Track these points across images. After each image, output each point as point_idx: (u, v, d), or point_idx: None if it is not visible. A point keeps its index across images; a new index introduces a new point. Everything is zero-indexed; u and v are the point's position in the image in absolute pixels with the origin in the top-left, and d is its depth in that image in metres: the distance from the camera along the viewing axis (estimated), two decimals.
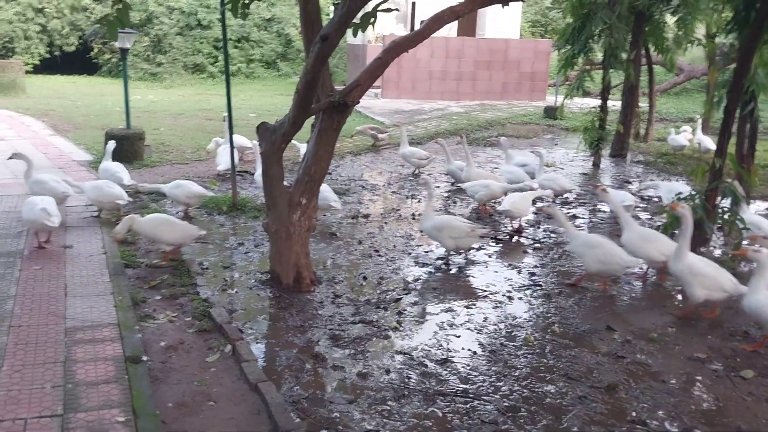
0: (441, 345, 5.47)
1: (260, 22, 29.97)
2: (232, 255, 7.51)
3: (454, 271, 7.30)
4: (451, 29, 25.46)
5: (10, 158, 8.58)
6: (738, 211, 7.41)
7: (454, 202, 10.38)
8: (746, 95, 8.36)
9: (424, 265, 7.46)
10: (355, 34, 6.02)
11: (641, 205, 10.34)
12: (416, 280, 6.97)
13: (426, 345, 5.46)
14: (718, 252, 8.00)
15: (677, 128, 15.31)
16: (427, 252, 7.85)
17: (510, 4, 6.32)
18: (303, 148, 8.24)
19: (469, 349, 5.42)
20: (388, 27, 23.94)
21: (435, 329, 5.78)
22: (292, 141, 6.79)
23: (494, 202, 9.85)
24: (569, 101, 14.37)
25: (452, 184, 11.42)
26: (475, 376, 4.98)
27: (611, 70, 13.31)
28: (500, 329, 5.84)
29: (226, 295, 6.35)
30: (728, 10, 12.03)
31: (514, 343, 5.57)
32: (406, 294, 6.55)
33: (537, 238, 8.56)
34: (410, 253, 7.81)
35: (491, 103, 22.98)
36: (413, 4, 25.24)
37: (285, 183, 6.55)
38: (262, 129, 6.38)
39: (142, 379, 4.56)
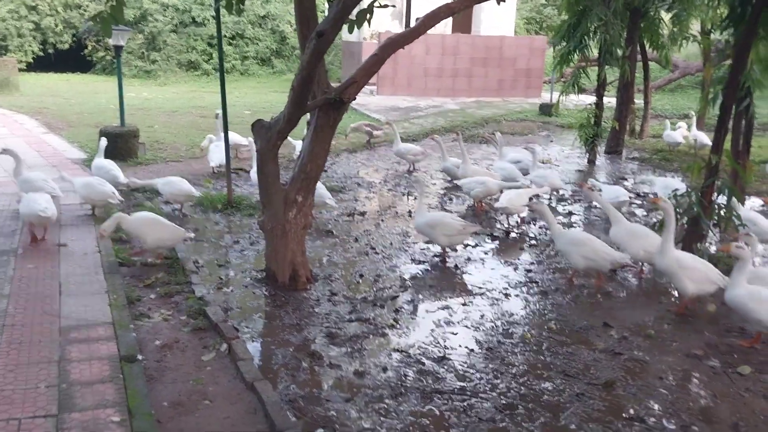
0: (438, 342, 5.45)
1: (255, 19, 29.88)
2: (227, 253, 7.47)
3: (450, 267, 7.27)
4: (446, 26, 25.45)
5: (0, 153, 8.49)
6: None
7: (450, 200, 10.35)
8: (741, 91, 8.35)
9: (420, 262, 7.43)
10: (350, 31, 5.99)
11: (636, 202, 10.35)
12: (413, 277, 6.95)
13: (423, 342, 5.44)
14: (714, 249, 7.99)
15: (673, 124, 15.31)
16: (423, 249, 7.82)
17: (505, 0, 6.30)
18: (298, 145, 8.24)
19: (466, 347, 5.40)
20: (384, 24, 23.90)
21: (432, 327, 5.76)
22: (287, 138, 6.77)
23: (490, 199, 9.84)
24: (564, 98, 14.34)
25: (449, 181, 11.39)
26: (473, 373, 4.97)
27: (606, 67, 13.30)
28: (497, 326, 5.83)
29: (222, 293, 6.31)
30: (723, 6, 12.06)
31: (511, 341, 5.56)
32: (402, 291, 6.53)
33: (533, 235, 8.55)
34: (407, 251, 7.79)
35: (487, 100, 22.98)
36: (408, 0, 25.19)
37: (280, 180, 6.52)
38: (258, 126, 6.34)
39: (137, 379, 4.52)
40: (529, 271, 7.26)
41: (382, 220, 9.04)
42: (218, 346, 5.12)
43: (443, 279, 6.95)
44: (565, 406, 4.55)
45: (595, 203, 9.77)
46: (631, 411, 4.52)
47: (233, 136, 11.06)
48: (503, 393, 4.70)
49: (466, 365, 5.09)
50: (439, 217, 7.52)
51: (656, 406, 4.60)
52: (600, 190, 9.35)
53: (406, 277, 6.95)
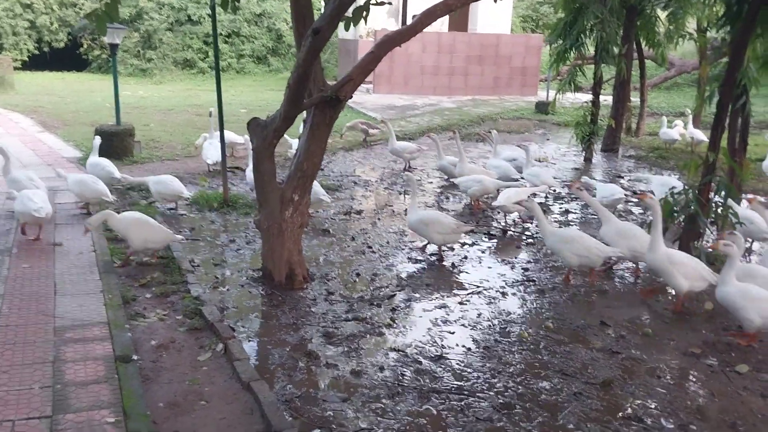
0: (435, 342, 5.43)
1: (251, 17, 29.81)
2: (223, 252, 7.44)
3: (447, 266, 7.25)
4: (442, 24, 25.43)
5: None
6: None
7: (447, 198, 10.33)
8: (738, 89, 8.34)
9: (417, 261, 7.41)
10: (347, 28, 5.96)
11: (633, 200, 10.34)
12: (410, 276, 6.93)
13: (420, 342, 5.42)
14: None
15: (670, 122, 15.31)
16: (420, 248, 7.80)
17: None
18: (295, 143, 8.21)
19: (463, 346, 5.38)
20: (380, 22, 23.86)
21: (429, 326, 5.73)
22: (284, 136, 6.74)
23: (486, 197, 9.82)
24: (561, 96, 14.33)
25: (445, 179, 11.36)
26: (470, 372, 4.95)
27: (603, 65, 13.29)
28: (494, 325, 5.81)
29: (218, 292, 6.28)
30: (719, 4, 12.06)
31: (509, 339, 5.54)
32: (399, 290, 6.50)
33: (531, 233, 8.53)
34: (403, 249, 7.77)
35: (483, 98, 22.96)
36: None
37: (276, 179, 6.48)
38: (253, 124, 6.31)
39: (133, 379, 4.49)
40: (526, 269, 7.25)
41: (379, 219, 9.01)
42: (214, 346, 5.09)
43: (440, 277, 6.92)
44: (562, 405, 4.54)
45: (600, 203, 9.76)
46: (629, 410, 4.51)
47: (229, 135, 11.04)
48: (501, 392, 4.68)
49: (463, 364, 5.07)
50: (433, 215, 7.52)
51: (654, 405, 4.59)
52: (594, 189, 9.39)
53: (403, 275, 6.93)
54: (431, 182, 11.46)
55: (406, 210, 9.39)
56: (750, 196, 6.94)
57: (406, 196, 10.41)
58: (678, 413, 4.50)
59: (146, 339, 5.24)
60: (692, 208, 7.25)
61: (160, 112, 18.13)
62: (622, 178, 12.10)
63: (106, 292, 5.94)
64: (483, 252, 7.79)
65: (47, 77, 26.64)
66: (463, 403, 4.52)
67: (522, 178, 10.21)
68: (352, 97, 6.36)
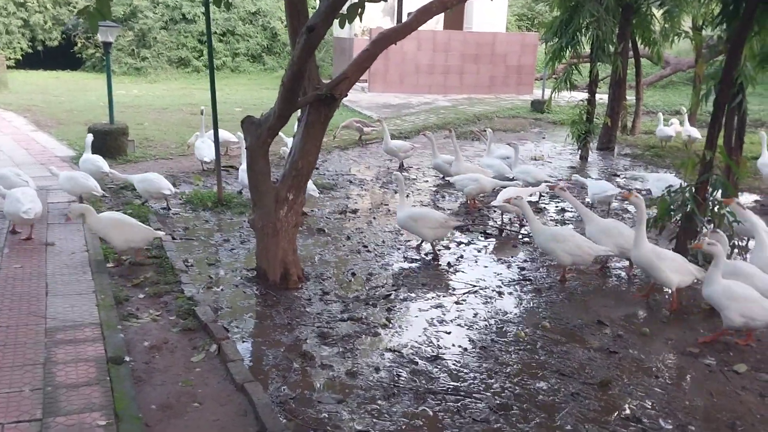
0: (431, 342, 5.38)
1: (245, 15, 29.69)
2: (217, 252, 7.38)
3: (443, 265, 7.20)
4: (438, 22, 25.37)
5: None
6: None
7: (443, 197, 10.28)
8: (734, 87, 8.31)
9: (413, 260, 7.36)
10: (342, 26, 5.91)
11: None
12: (405, 275, 6.88)
13: (416, 342, 5.37)
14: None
15: (666, 120, 15.29)
16: (415, 247, 7.75)
17: None
18: (290, 142, 8.16)
19: (459, 346, 5.33)
20: (375, 20, 23.80)
21: (425, 326, 5.69)
22: (279, 134, 6.68)
23: (482, 196, 9.78)
24: (556, 95, 14.29)
25: (441, 178, 11.31)
26: (466, 373, 4.90)
27: (598, 63, 13.26)
28: (491, 325, 5.76)
29: (212, 292, 6.22)
30: (715, 2, 12.04)
31: (505, 339, 5.49)
32: (395, 290, 6.45)
33: (527, 233, 8.49)
34: (399, 249, 7.72)
35: (479, 96, 22.91)
36: None
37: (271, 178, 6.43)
38: (247, 123, 6.25)
39: (125, 381, 4.43)
40: (522, 268, 7.20)
41: (374, 218, 8.96)
42: (208, 346, 5.03)
43: (436, 277, 6.88)
44: (560, 406, 4.49)
45: (588, 200, 9.73)
46: (627, 411, 4.47)
47: (223, 134, 10.97)
48: (497, 393, 4.64)
49: (459, 365, 5.02)
50: (420, 211, 7.57)
51: (652, 406, 4.55)
52: (584, 186, 9.40)
53: (399, 275, 6.87)
54: (427, 181, 11.41)
55: None
56: (728, 198, 6.94)
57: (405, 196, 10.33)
58: (676, 413, 4.46)
59: (139, 340, 5.17)
60: (689, 206, 7.21)
61: (154, 110, 18.04)
62: (618, 176, 12.06)
63: (98, 293, 5.87)
64: (479, 251, 7.74)
65: (41, 76, 26.48)
66: (459, 404, 4.48)
67: (513, 177, 10.16)
68: (347, 95, 6.30)
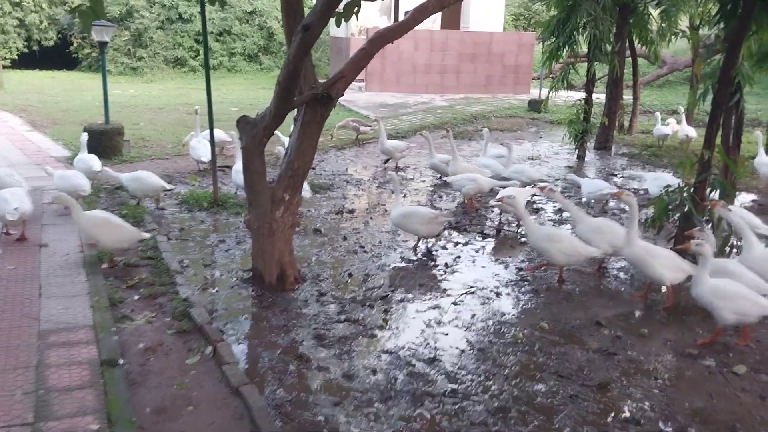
0: (428, 343, 5.33)
1: (242, 15, 29.63)
2: (213, 253, 7.32)
3: (441, 265, 7.15)
4: (434, 22, 25.32)
5: None
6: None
7: (440, 197, 10.24)
8: (732, 87, 8.29)
9: (410, 261, 7.32)
10: (338, 24, 5.86)
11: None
12: (402, 276, 6.83)
13: (413, 343, 5.32)
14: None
15: (663, 119, 15.27)
16: (412, 248, 7.70)
17: None
18: (286, 141, 8.12)
19: (457, 347, 5.29)
20: (372, 20, 23.74)
21: (422, 327, 5.64)
22: (276, 133, 6.63)
23: (480, 197, 9.73)
24: (553, 94, 14.26)
25: (438, 178, 11.26)
26: (464, 375, 4.86)
27: (595, 63, 13.23)
28: (488, 326, 5.72)
29: (207, 294, 6.17)
30: (712, 1, 12.02)
31: (503, 341, 5.45)
32: (392, 291, 6.40)
33: (523, 233, 8.44)
34: (396, 249, 7.67)
35: (476, 96, 22.88)
36: None
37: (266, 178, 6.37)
38: (243, 122, 6.19)
39: (119, 384, 4.38)
40: (520, 269, 7.15)
41: (371, 218, 8.91)
42: (203, 349, 4.98)
43: (433, 277, 6.83)
44: (558, 408, 4.45)
45: (587, 199, 9.70)
46: (626, 413, 4.44)
47: (218, 133, 10.91)
48: (495, 395, 4.59)
49: (457, 367, 4.98)
50: (411, 208, 7.63)
51: (651, 408, 4.51)
52: (578, 186, 9.39)
53: (396, 276, 6.82)
54: (423, 181, 11.36)
55: None
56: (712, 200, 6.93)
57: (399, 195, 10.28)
58: (676, 416, 4.43)
59: (134, 342, 5.12)
60: (687, 206, 7.18)
61: (150, 110, 17.98)
62: (615, 176, 12.03)
63: (92, 294, 5.82)
64: (477, 251, 7.70)
65: (37, 76, 26.38)
66: (457, 406, 4.43)
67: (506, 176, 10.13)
68: (343, 94, 6.25)
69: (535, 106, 19.59)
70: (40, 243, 7.13)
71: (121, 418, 3.99)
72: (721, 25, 7.92)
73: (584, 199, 9.55)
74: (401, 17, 22.54)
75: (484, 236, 8.25)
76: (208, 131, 9.28)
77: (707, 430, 4.30)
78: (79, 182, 8.21)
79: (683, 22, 15.75)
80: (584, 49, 13.70)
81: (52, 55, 28.45)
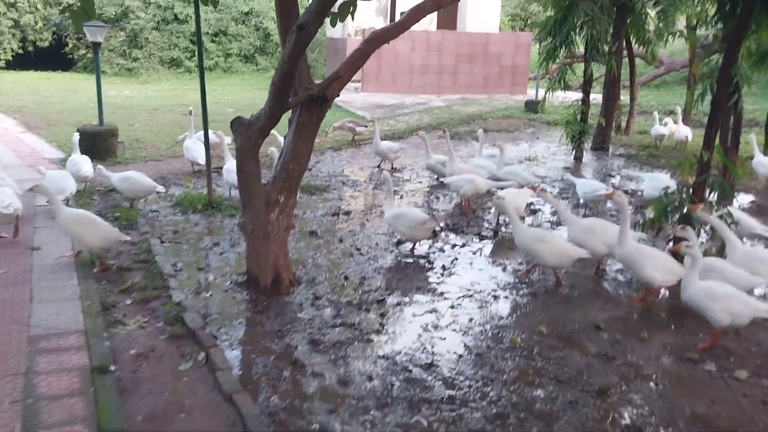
0: (425, 348, 5.25)
1: (238, 15, 29.55)
2: (207, 256, 7.23)
3: (438, 268, 7.07)
4: (431, 22, 25.29)
5: None
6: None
7: (437, 198, 10.16)
8: (730, 87, 8.22)
9: (407, 263, 7.24)
10: (333, 24, 5.78)
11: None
12: (399, 279, 6.74)
13: (410, 348, 5.23)
14: (707, 247, 7.86)
15: (660, 119, 15.21)
16: (409, 250, 7.61)
17: None
18: (282, 141, 8.03)
19: (454, 352, 5.20)
20: (368, 20, 23.68)
21: (419, 331, 5.55)
22: (273, 133, 6.55)
23: (476, 198, 9.66)
24: (550, 95, 14.20)
25: (435, 179, 11.19)
26: (462, 381, 4.77)
27: (593, 63, 13.16)
28: (486, 330, 5.64)
29: (201, 298, 6.07)
30: (710, 1, 11.97)
31: (501, 345, 5.37)
32: (388, 294, 6.32)
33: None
34: (392, 251, 7.59)
35: (472, 96, 22.82)
36: None
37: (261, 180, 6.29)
38: (237, 123, 6.11)
39: (110, 391, 4.29)
40: (517, 271, 7.08)
41: (368, 220, 8.83)
42: (196, 354, 4.90)
43: (430, 280, 6.74)
44: (558, 415, 4.37)
45: (581, 200, 9.63)
46: (627, 419, 4.36)
47: (212, 135, 10.83)
48: (494, 402, 4.51)
49: (454, 372, 4.89)
50: (403, 209, 7.53)
51: (652, 414, 4.43)
52: (573, 185, 9.35)
53: (393, 279, 6.74)
54: (420, 182, 11.28)
55: None
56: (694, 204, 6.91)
57: (395, 196, 10.20)
58: (677, 422, 4.35)
59: (125, 347, 5.03)
60: (686, 208, 7.10)
61: (145, 111, 17.90)
62: (613, 176, 11.97)
63: (84, 299, 5.74)
64: (474, 253, 7.62)
65: (32, 77, 26.29)
66: (454, 413, 4.35)
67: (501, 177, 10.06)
68: (339, 95, 6.17)
69: (532, 106, 19.54)
70: (32, 246, 7.04)
71: (111, 427, 3.90)
72: (720, 25, 7.86)
73: (582, 200, 9.49)
74: (398, 18, 22.47)
75: (482, 238, 8.18)
76: (202, 132, 9.20)
77: None
78: (63, 185, 8.09)
79: (680, 22, 15.71)
80: (581, 49, 13.64)
81: (47, 56, 28.37)
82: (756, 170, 11.00)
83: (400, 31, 6.17)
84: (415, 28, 6.45)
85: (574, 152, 13.61)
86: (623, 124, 16.60)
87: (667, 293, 6.49)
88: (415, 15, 6.01)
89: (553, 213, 9.40)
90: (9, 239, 7.16)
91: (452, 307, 6.08)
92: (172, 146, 12.77)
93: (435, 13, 7.96)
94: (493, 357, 5.16)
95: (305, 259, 7.23)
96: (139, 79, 26.77)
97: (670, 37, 14.79)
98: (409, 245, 7.65)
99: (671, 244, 7.29)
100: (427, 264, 7.21)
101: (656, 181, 9.24)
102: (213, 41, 28.88)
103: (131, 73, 27.62)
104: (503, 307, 6.15)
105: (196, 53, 26.61)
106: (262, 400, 4.41)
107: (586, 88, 13.51)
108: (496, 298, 6.35)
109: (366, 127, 14.53)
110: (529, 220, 8.99)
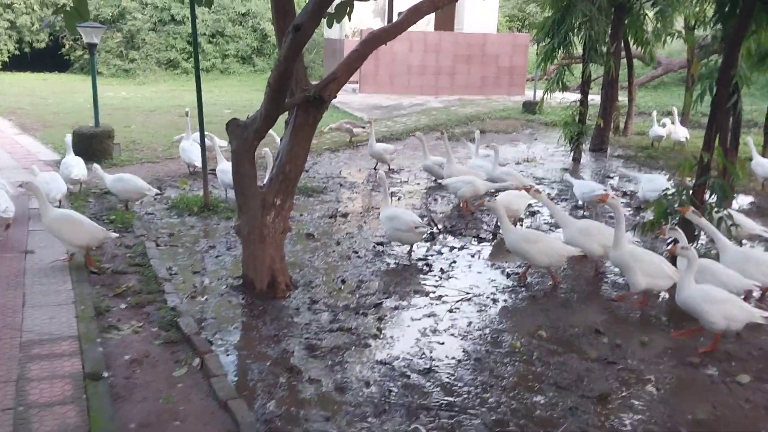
0: (424, 353, 5.18)
1: (235, 16, 29.46)
2: (202, 259, 7.15)
3: (436, 271, 7.01)
4: (428, 23, 25.23)
5: None
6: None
7: (435, 200, 10.09)
8: (729, 88, 8.17)
9: (405, 266, 7.17)
10: (329, 25, 5.72)
11: (623, 201, 10.15)
12: (397, 282, 6.67)
13: (408, 353, 5.16)
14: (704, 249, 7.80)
15: (658, 120, 15.16)
16: (407, 252, 7.55)
17: None
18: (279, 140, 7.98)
19: (453, 357, 5.13)
20: (366, 21, 23.61)
21: (417, 336, 5.48)
22: (271, 132, 6.48)
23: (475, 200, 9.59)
24: (549, 96, 14.13)
25: (434, 181, 11.12)
26: (460, 387, 4.70)
27: (591, 64, 13.11)
28: (485, 334, 5.57)
29: (196, 302, 6.00)
30: (708, 2, 11.93)
31: (500, 350, 5.30)
32: (386, 298, 6.25)
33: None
34: (390, 254, 7.52)
35: (470, 98, 22.76)
36: None
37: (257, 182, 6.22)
38: (233, 125, 6.05)
39: (102, 398, 4.22)
40: (516, 274, 7.01)
41: (365, 222, 8.76)
42: (190, 360, 4.82)
43: (428, 284, 6.67)
44: (558, 421, 4.31)
45: (580, 201, 9.57)
46: (628, 426, 4.29)
47: (213, 137, 10.76)
48: (493, 408, 4.44)
49: (453, 378, 4.83)
50: (395, 211, 7.43)
51: (654, 420, 4.36)
52: (571, 185, 9.30)
53: (390, 282, 6.67)
54: (418, 183, 11.21)
55: None
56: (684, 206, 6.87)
57: (392, 198, 10.13)
58: (679, 428, 4.29)
59: (119, 353, 4.96)
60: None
61: (142, 113, 17.82)
62: (612, 178, 11.91)
63: (78, 303, 5.66)
64: (472, 256, 7.55)
65: (29, 78, 26.18)
66: (453, 420, 4.28)
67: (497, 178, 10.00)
68: (335, 96, 6.10)
69: (530, 107, 19.48)
70: (25, 249, 6.96)
71: None
72: (719, 25, 7.80)
73: (580, 202, 9.43)
74: (395, 18, 22.41)
75: (480, 240, 8.11)
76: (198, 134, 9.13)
77: None
78: (50, 187, 8.01)
79: (678, 23, 15.66)
80: (579, 50, 13.58)
81: (43, 57, 28.27)
82: (754, 171, 10.96)
83: (398, 32, 6.11)
84: (412, 28, 6.39)
85: (572, 153, 13.55)
86: (621, 125, 16.54)
87: (667, 296, 6.43)
88: (413, 16, 5.95)
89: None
90: (2, 240, 7.08)
91: (451, 311, 6.01)
92: (169, 148, 12.70)
93: (433, 14, 7.93)
94: (492, 362, 5.09)
95: (302, 262, 7.17)
96: (136, 81, 26.67)
97: (668, 37, 14.73)
98: (406, 248, 7.58)
99: (671, 246, 7.24)
100: (425, 267, 7.14)
101: (652, 183, 9.20)
102: (210, 42, 28.80)
103: (128, 74, 27.52)
104: (502, 311, 6.09)
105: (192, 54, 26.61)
106: (257, 407, 4.34)
107: (584, 89, 13.45)
108: (494, 301, 6.29)
109: (363, 128, 14.45)
110: (528, 221, 8.92)
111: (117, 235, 6.93)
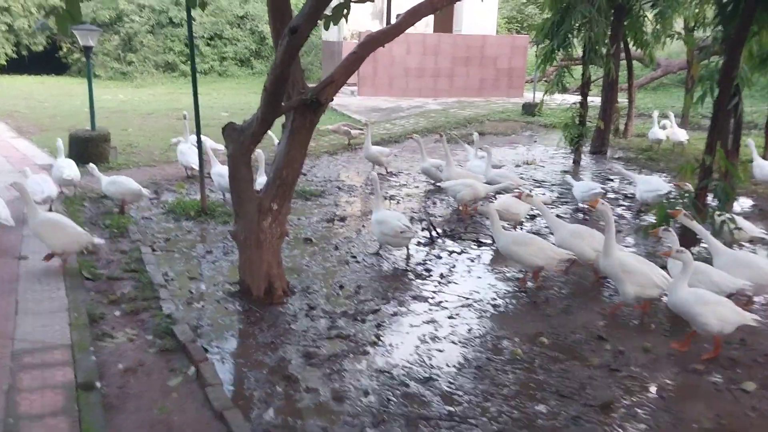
0: (423, 361, 5.08)
1: (233, 19, 29.40)
2: (199, 264, 7.06)
3: (436, 276, 6.92)
4: (427, 25, 25.16)
5: None
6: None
7: (434, 203, 10.00)
8: (731, 89, 8.09)
9: (404, 271, 7.08)
10: (326, 27, 5.63)
11: (624, 203, 10.07)
12: (396, 288, 6.58)
13: (407, 361, 5.07)
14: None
15: (659, 121, 15.08)
16: (406, 257, 7.46)
17: None
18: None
19: (453, 366, 5.04)
20: (364, 24, 23.54)
21: (416, 343, 5.39)
22: (269, 133, 6.39)
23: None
24: (548, 97, 14.06)
25: (432, 184, 11.03)
26: (461, 396, 4.61)
27: (590, 66, 13.03)
28: (486, 341, 5.48)
29: (192, 309, 5.90)
30: (707, 3, 11.86)
31: (501, 357, 5.21)
32: (385, 304, 6.16)
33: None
34: (389, 259, 7.43)
35: (469, 100, 22.70)
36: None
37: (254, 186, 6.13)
38: (229, 129, 5.96)
39: (95, 409, 4.12)
40: (517, 279, 6.92)
41: (364, 226, 8.66)
42: (186, 369, 4.73)
43: (428, 289, 6.57)
44: (561, 431, 4.21)
45: (580, 205, 9.49)
46: None
47: (205, 140, 10.67)
48: (494, 418, 4.35)
49: (453, 386, 4.73)
50: (385, 215, 7.32)
51: (658, 429, 4.27)
52: (571, 186, 9.24)
53: (389, 287, 6.58)
54: (417, 186, 11.12)
55: None
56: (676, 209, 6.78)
57: (391, 201, 10.06)
58: None
59: (113, 362, 4.86)
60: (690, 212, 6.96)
61: (139, 116, 17.73)
62: (612, 180, 11.83)
63: (72, 310, 5.56)
64: (472, 261, 7.46)
65: (26, 81, 26.11)
66: (454, 430, 4.19)
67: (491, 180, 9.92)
68: (333, 99, 6.02)
69: (530, 109, 19.41)
70: (19, 255, 6.87)
71: None
72: (719, 27, 7.73)
73: (581, 204, 9.35)
74: (393, 20, 22.34)
75: (480, 244, 8.02)
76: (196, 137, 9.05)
77: None
78: (40, 188, 7.99)
79: (678, 24, 15.59)
80: (579, 51, 13.50)
81: (41, 60, 28.20)
82: (753, 173, 10.88)
83: (396, 34, 6.03)
84: (411, 30, 6.31)
85: (572, 155, 13.46)
86: (621, 127, 16.47)
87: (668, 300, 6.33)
88: (411, 18, 5.87)
89: None
90: None
91: (450, 317, 5.91)
92: (166, 151, 12.60)
93: (431, 16, 7.90)
94: (493, 370, 5.00)
95: (299, 267, 7.07)
96: (134, 83, 26.60)
97: (667, 39, 14.66)
98: (404, 252, 7.50)
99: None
100: (424, 272, 7.05)
101: (647, 184, 9.15)
102: (208, 45, 28.73)
103: (126, 77, 27.45)
104: (503, 317, 6.00)
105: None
106: (254, 417, 4.25)
107: (584, 90, 13.36)
108: (495, 307, 6.20)
109: (361, 130, 14.36)
110: (528, 225, 8.83)
111: (103, 241, 6.87)
